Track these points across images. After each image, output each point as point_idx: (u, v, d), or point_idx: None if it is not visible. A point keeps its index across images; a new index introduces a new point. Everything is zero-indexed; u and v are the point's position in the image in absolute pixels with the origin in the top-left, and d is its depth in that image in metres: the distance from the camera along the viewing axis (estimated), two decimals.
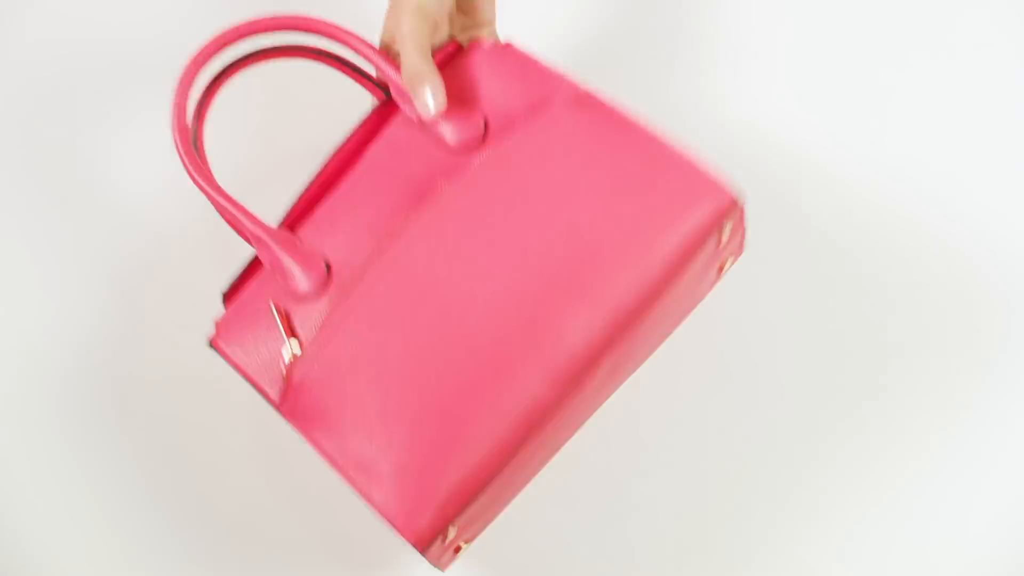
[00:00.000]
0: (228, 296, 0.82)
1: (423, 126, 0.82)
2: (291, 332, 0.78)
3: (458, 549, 0.79)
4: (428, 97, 0.79)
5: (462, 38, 0.86)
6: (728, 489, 0.85)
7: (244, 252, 0.89)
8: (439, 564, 0.78)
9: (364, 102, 0.92)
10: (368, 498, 0.75)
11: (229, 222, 0.87)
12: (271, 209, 0.90)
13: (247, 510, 0.85)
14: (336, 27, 0.85)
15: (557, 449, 0.82)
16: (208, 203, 0.89)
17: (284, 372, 0.78)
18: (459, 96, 0.83)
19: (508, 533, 0.85)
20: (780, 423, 0.86)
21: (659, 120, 0.88)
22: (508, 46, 0.85)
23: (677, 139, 0.86)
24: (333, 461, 0.76)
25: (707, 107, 0.93)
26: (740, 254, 0.85)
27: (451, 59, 0.86)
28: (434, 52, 0.85)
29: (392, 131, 0.83)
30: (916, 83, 0.95)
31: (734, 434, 0.86)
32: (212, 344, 0.81)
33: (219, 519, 0.85)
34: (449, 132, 0.81)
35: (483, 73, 0.84)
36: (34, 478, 0.86)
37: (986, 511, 0.85)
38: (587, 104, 0.81)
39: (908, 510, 0.85)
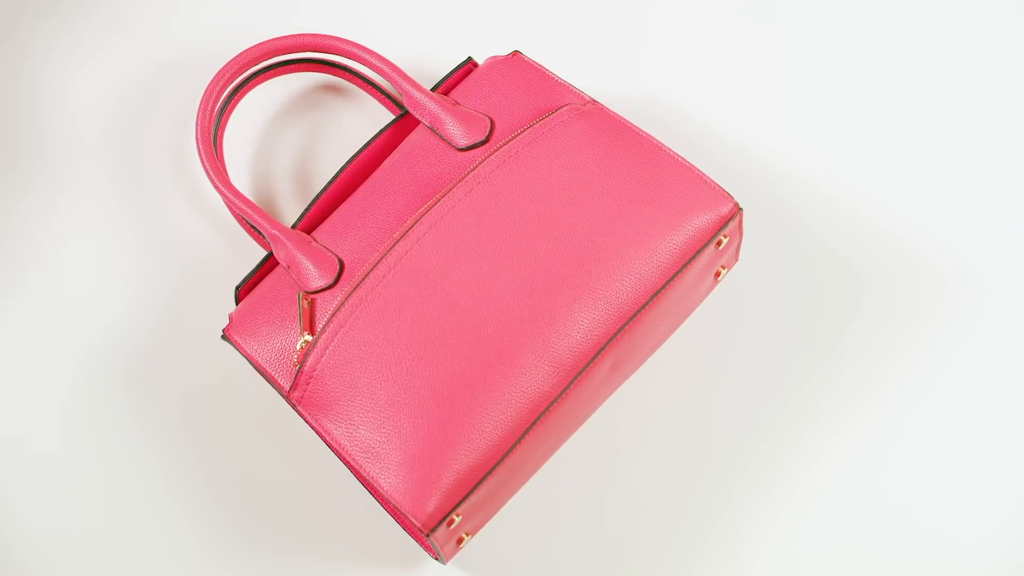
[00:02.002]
0: (242, 292, 0.84)
1: (435, 134, 0.85)
2: (307, 325, 0.80)
3: (460, 540, 0.80)
4: None
5: None
6: (725, 487, 0.86)
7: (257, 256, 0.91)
8: (443, 552, 0.79)
9: (380, 116, 0.96)
10: (377, 484, 0.77)
11: (245, 223, 0.89)
12: (287, 215, 0.93)
13: (262, 503, 0.86)
14: (356, 45, 0.89)
15: (559, 444, 0.83)
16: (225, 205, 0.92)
17: (296, 363, 0.80)
18: (469, 101, 0.86)
19: (506, 531, 0.86)
20: (771, 419, 0.87)
21: (657, 134, 0.91)
22: (516, 55, 0.88)
23: (677, 150, 0.88)
24: (342, 448, 0.78)
25: (703, 123, 0.95)
26: (736, 262, 0.88)
27: (468, 75, 0.89)
28: (453, 72, 0.88)
29: (407, 142, 0.86)
30: (914, 89, 0.97)
31: (728, 431, 0.87)
32: (226, 335, 0.83)
33: (230, 512, 0.87)
34: (459, 135, 0.84)
35: (491, 80, 0.87)
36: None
37: (989, 511, 0.87)
38: (592, 113, 0.84)
39: (898, 507, 0.87)
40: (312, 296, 0.81)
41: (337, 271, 0.82)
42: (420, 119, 0.86)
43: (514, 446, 0.77)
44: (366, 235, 0.83)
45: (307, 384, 0.79)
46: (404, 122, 0.88)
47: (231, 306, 0.88)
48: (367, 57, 0.89)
